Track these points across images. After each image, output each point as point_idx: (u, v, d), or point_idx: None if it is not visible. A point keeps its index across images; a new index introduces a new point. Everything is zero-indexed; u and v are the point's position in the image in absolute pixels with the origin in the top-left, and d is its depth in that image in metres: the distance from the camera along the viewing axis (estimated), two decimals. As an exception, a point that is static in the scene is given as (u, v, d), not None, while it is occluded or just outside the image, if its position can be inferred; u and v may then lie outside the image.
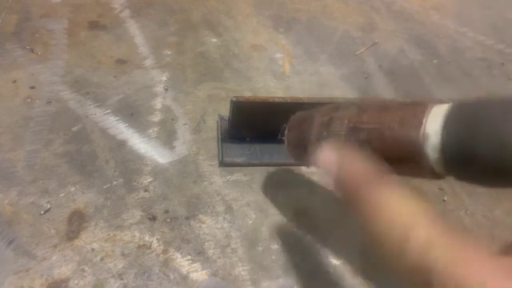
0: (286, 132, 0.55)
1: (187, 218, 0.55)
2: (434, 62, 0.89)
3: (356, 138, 0.44)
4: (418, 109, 0.38)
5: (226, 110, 0.61)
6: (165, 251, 0.51)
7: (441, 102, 0.39)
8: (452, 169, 0.37)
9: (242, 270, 0.50)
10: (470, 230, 0.58)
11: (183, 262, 0.50)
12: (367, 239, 0.28)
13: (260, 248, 0.53)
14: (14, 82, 0.69)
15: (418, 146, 0.37)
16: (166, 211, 0.55)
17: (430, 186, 0.62)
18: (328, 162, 0.34)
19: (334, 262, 0.53)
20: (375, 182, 0.32)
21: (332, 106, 0.50)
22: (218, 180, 0.60)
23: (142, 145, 0.63)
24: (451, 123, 0.35)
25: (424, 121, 0.37)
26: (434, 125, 0.36)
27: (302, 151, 0.54)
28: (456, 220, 0.59)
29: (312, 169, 0.61)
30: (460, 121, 0.35)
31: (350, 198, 0.32)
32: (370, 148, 0.42)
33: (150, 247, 0.51)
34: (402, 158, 0.40)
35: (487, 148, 0.32)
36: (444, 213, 0.60)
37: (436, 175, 0.39)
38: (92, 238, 0.51)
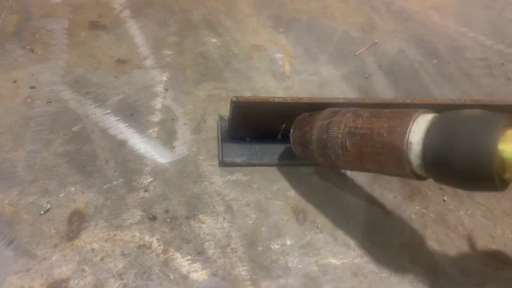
0: (291, 131, 0.58)
1: (187, 218, 0.55)
2: (434, 62, 0.89)
3: (351, 141, 0.48)
4: (404, 118, 0.43)
5: (226, 110, 0.61)
6: (165, 251, 0.51)
7: (426, 111, 0.43)
8: (431, 173, 0.42)
9: (241, 270, 0.50)
10: (470, 230, 0.58)
11: (183, 262, 0.50)
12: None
13: (260, 248, 0.53)
14: (14, 81, 0.69)
15: (402, 152, 0.42)
16: (166, 211, 0.55)
17: (430, 185, 0.62)
18: None
19: (334, 261, 0.53)
20: None
21: (331, 111, 0.53)
22: (218, 180, 0.60)
23: (142, 145, 0.63)
24: (431, 134, 0.40)
25: (408, 130, 0.42)
26: (416, 135, 0.41)
27: (305, 149, 0.56)
28: (456, 220, 0.59)
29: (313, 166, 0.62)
30: (439, 133, 0.39)
31: None
32: (363, 150, 0.46)
33: (150, 247, 0.51)
34: (389, 160, 0.44)
35: (460, 158, 0.38)
36: (444, 213, 0.60)
37: (418, 177, 0.44)
38: (92, 238, 0.51)
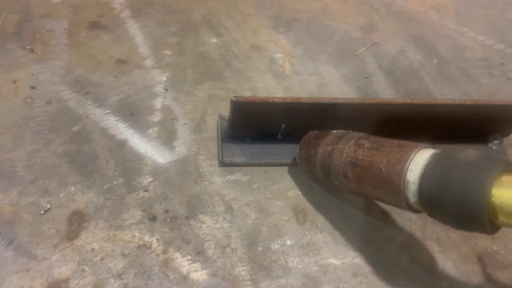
0: (297, 150, 0.59)
1: (187, 218, 0.55)
2: (434, 61, 0.89)
3: (352, 171, 0.49)
4: (403, 155, 0.43)
5: (226, 110, 0.61)
6: (165, 251, 0.51)
7: (426, 147, 0.43)
8: (426, 211, 0.43)
9: (241, 270, 0.50)
10: (470, 230, 0.58)
11: (183, 262, 0.50)
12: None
13: (260, 248, 0.53)
14: (14, 82, 0.70)
15: (400, 189, 0.43)
16: (166, 211, 0.55)
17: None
18: None
19: (334, 261, 0.53)
20: None
21: (335, 136, 0.54)
22: (218, 180, 0.60)
23: (142, 145, 0.63)
24: (427, 175, 0.42)
25: (406, 169, 0.42)
26: (413, 174, 0.42)
27: (310, 171, 0.57)
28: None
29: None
30: (434, 175, 0.40)
31: None
32: (363, 181, 0.47)
33: (150, 247, 0.51)
34: (388, 195, 0.45)
35: (453, 203, 0.39)
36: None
37: (416, 211, 0.44)
38: (92, 238, 0.51)
